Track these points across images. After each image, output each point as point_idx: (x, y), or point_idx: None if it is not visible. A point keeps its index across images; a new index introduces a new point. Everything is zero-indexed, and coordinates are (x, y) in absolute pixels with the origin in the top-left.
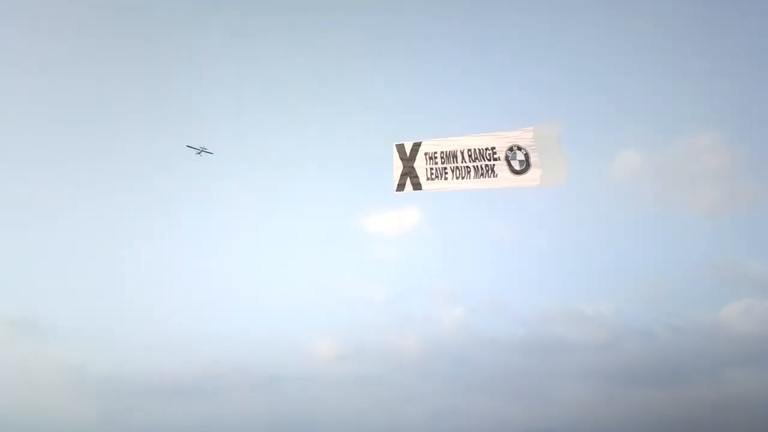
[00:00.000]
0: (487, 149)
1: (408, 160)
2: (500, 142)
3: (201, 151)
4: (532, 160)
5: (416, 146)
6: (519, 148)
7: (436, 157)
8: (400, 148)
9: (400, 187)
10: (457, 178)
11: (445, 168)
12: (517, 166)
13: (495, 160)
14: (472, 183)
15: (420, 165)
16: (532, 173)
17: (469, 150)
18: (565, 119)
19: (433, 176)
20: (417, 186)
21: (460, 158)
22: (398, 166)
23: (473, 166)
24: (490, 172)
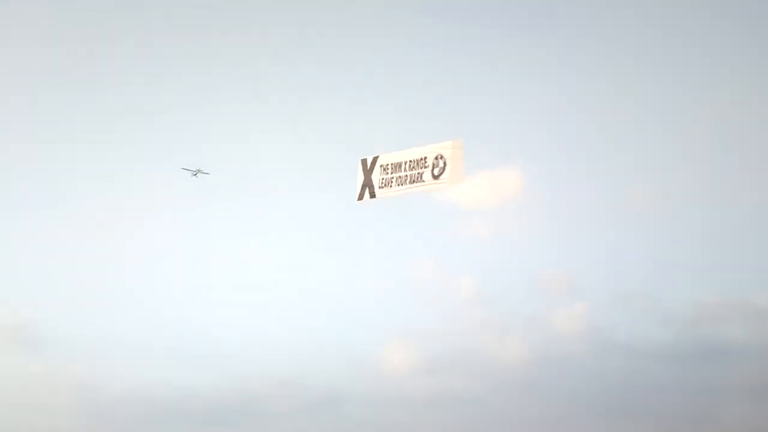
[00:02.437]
0: (421, 159)
1: (369, 171)
2: (431, 153)
3: (197, 172)
4: (447, 166)
5: (375, 160)
6: (441, 157)
7: (387, 169)
8: (364, 162)
9: (360, 196)
10: (399, 185)
11: (392, 178)
12: (437, 172)
13: (425, 167)
14: (406, 188)
15: (375, 176)
16: (445, 176)
17: (411, 161)
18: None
19: (383, 185)
20: (372, 195)
21: (403, 168)
22: (360, 178)
23: (409, 174)
24: (419, 178)
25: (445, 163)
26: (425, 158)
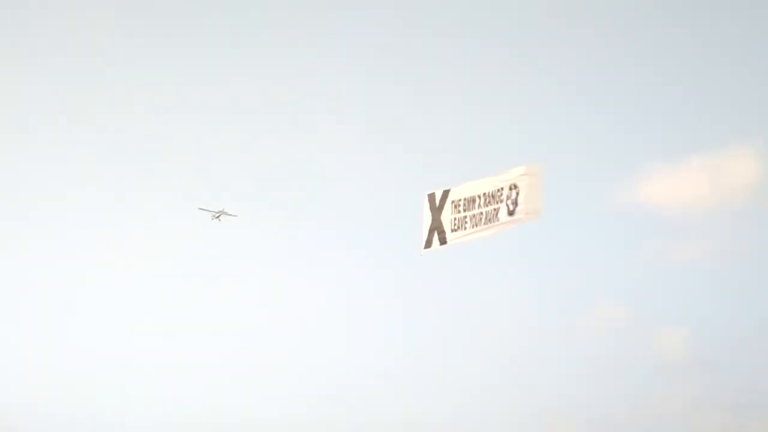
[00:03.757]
0: (498, 191)
1: (437, 210)
2: (505, 183)
3: (220, 214)
4: (520, 198)
5: (445, 194)
6: (515, 187)
7: (459, 206)
8: (431, 197)
9: (428, 243)
10: (474, 226)
11: (465, 217)
12: (511, 206)
13: (500, 202)
14: (481, 229)
15: (446, 216)
16: (518, 212)
17: (485, 194)
18: None
19: (456, 227)
20: (443, 241)
21: (477, 203)
22: (428, 220)
23: (485, 211)
24: (495, 216)
25: (517, 195)
26: (501, 190)
